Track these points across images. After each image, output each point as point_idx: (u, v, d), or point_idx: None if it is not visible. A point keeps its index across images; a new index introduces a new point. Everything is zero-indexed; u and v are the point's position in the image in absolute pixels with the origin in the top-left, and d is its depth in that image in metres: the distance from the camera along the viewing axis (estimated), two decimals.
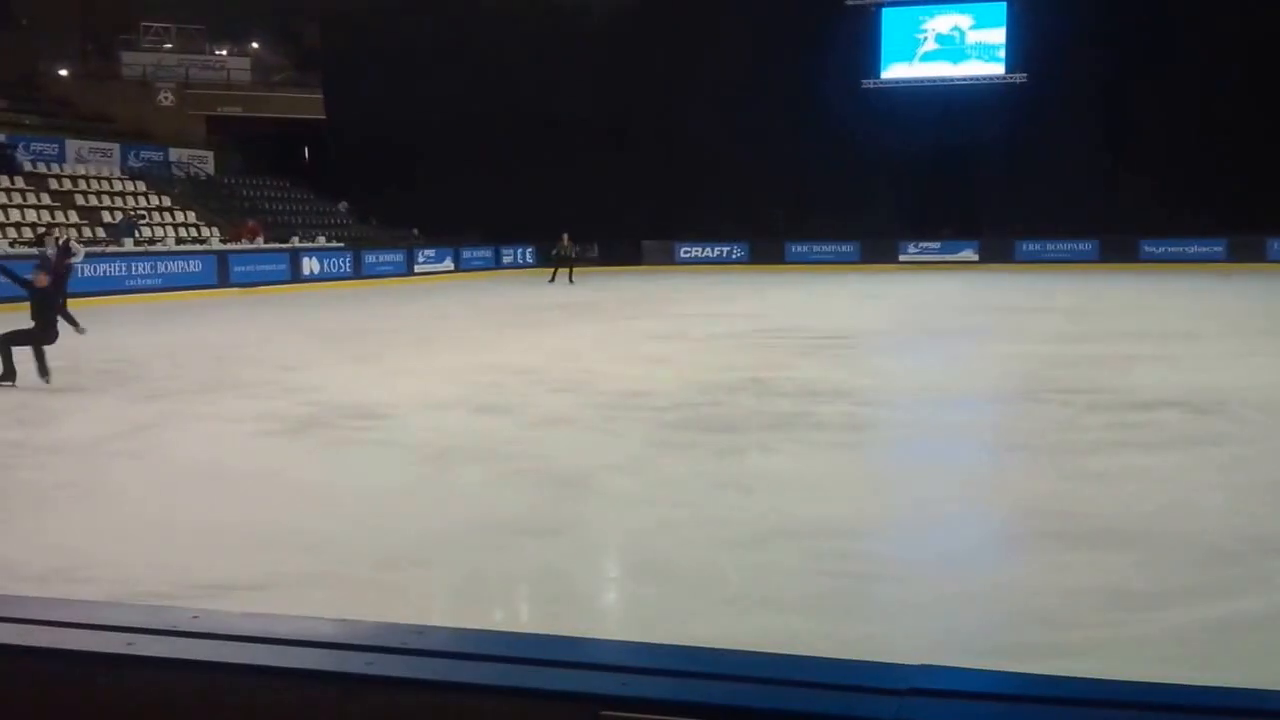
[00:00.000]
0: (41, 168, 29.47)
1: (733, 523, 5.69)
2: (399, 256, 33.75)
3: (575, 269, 30.46)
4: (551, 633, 1.36)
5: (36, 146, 30.30)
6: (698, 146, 37.92)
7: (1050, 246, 37.05)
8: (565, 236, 30.23)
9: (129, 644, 1.17)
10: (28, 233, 25.44)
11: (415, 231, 36.62)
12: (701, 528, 5.60)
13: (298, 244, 30.81)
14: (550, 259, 31.10)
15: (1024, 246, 37.29)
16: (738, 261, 39.45)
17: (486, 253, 37.81)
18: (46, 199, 27.98)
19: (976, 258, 37.57)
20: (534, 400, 9.96)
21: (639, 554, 5.37)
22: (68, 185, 29.26)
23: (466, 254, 36.62)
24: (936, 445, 8.24)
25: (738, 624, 4.27)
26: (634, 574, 5.17)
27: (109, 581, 4.75)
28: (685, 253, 39.98)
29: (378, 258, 32.78)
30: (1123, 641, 4.15)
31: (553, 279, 29.63)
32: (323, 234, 33.37)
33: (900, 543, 5.63)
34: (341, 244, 32.69)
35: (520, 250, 38.88)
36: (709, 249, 39.95)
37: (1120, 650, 4.07)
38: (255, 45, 44.62)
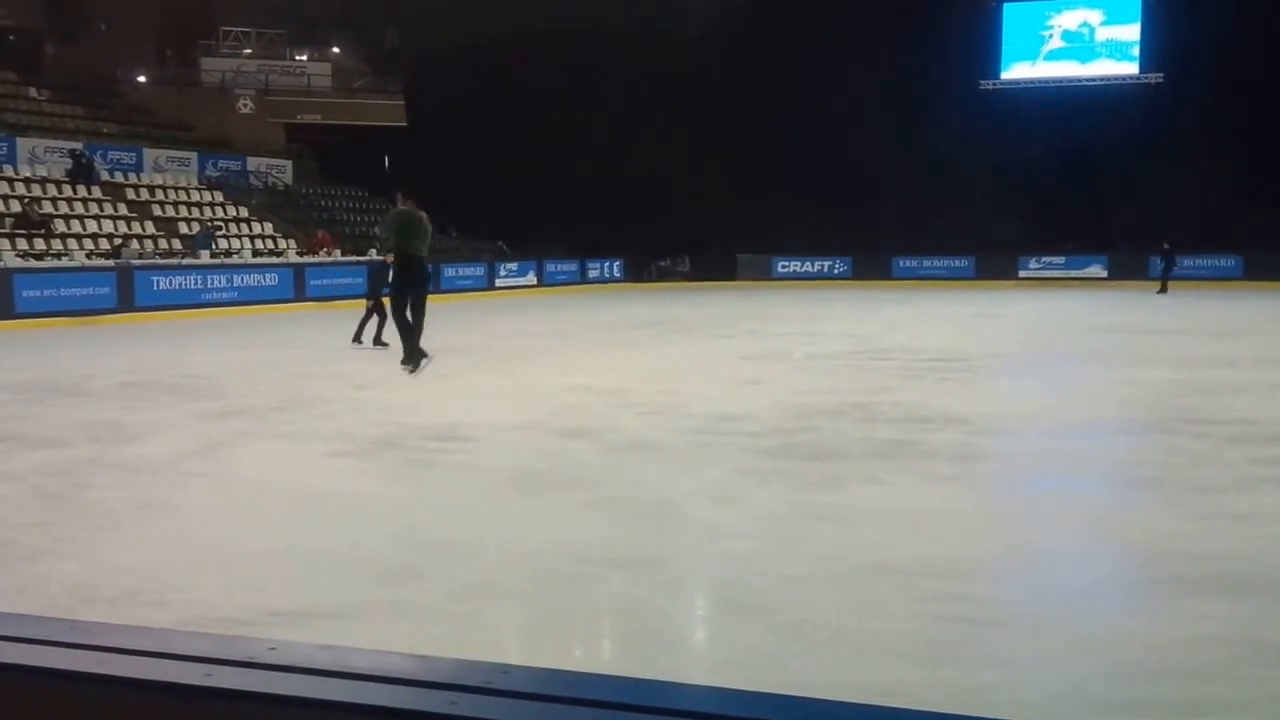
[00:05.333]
0: (119, 177, 30.63)
1: (832, 558, 5.64)
2: (479, 270, 34.29)
3: (664, 284, 30.19)
4: (636, 673, 1.38)
5: (114, 155, 31.54)
6: (798, 153, 37.77)
7: (1188, 263, 36.03)
8: None
9: (207, 675, 1.23)
10: (104, 244, 26.43)
11: (501, 245, 37.10)
12: (798, 563, 5.57)
13: (376, 257, 31.44)
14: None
15: (1159, 263, 36.31)
16: (840, 277, 39.19)
17: (571, 266, 38.15)
18: (124, 209, 29.03)
19: (1105, 274, 36.76)
20: (620, 423, 10.01)
21: (731, 590, 5.36)
22: (145, 195, 30.35)
23: (550, 267, 37.01)
24: (1057, 478, 8.06)
25: (838, 669, 4.23)
26: (725, 612, 5.16)
27: (182, 606, 4.90)
28: (783, 267, 39.87)
29: (458, 271, 33.32)
30: (1269, 699, 4.01)
31: None
32: None
33: (1018, 584, 5.51)
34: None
35: (607, 264, 39.14)
36: (809, 263, 39.79)
37: (1266, 708, 3.94)
38: (336, 50, 45.79)
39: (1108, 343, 17.76)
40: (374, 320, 16.78)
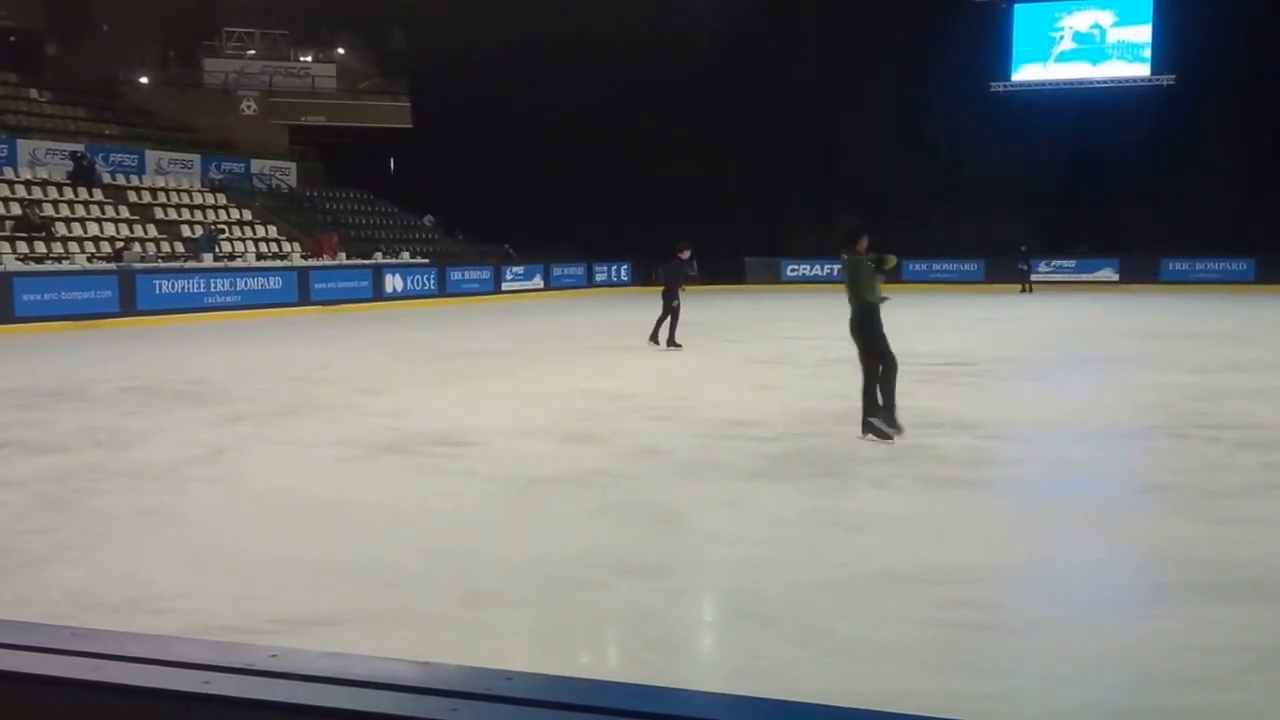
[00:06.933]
0: (121, 179, 30.67)
1: (840, 564, 5.64)
2: (485, 273, 34.27)
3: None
4: (644, 680, 1.38)
5: (116, 157, 31.59)
6: (806, 155, 37.71)
7: (1200, 265, 35.97)
8: None
9: (205, 682, 1.22)
10: (106, 247, 26.48)
11: (508, 248, 37.07)
12: (806, 569, 5.57)
13: (381, 260, 31.51)
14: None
15: (1170, 265, 36.27)
16: None
17: (578, 270, 38.10)
18: (125, 212, 29.06)
19: (1116, 277, 36.68)
20: (627, 428, 10.01)
21: (737, 596, 5.36)
22: (147, 198, 30.38)
23: (557, 271, 36.98)
24: (1067, 484, 8.05)
25: (845, 676, 4.23)
26: (732, 618, 5.16)
27: (184, 613, 4.91)
28: (792, 271, 39.83)
29: (463, 274, 33.33)
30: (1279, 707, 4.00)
31: None
32: (407, 249, 34.07)
33: (1027, 591, 5.51)
34: (426, 260, 33.35)
35: (615, 267, 39.11)
36: (818, 267, 39.70)
37: (1276, 716, 3.92)
38: (341, 51, 45.83)
39: (1120, 348, 17.73)
40: (667, 321, 17.24)
